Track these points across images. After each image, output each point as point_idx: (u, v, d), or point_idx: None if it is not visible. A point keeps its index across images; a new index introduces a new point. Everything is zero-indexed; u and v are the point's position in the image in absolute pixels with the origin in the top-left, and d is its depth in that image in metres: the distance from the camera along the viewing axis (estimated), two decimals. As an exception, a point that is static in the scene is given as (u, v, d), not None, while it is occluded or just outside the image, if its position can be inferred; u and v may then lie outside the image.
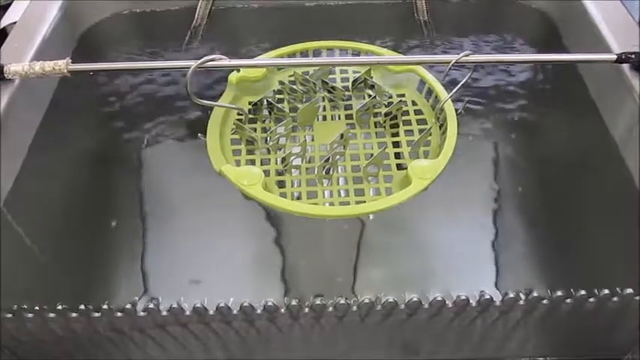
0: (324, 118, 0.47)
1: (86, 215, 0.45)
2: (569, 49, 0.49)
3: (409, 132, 0.45)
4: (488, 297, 0.33)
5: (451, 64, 0.39)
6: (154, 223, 0.46)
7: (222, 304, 0.34)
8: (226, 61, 0.40)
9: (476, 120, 0.49)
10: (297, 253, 0.45)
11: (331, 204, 0.40)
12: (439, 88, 0.45)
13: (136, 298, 0.40)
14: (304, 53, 0.49)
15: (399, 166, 0.43)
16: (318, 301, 0.34)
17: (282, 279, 0.43)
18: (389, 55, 0.47)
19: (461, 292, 0.40)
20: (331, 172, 0.42)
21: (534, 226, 0.44)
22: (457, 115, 0.43)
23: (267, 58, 0.45)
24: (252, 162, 0.43)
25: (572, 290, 0.34)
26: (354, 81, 0.47)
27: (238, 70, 0.45)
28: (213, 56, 0.40)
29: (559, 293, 0.33)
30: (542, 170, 0.47)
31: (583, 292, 0.33)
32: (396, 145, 0.44)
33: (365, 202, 0.40)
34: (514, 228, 0.44)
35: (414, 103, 0.47)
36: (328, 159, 0.41)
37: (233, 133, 0.44)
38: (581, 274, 0.39)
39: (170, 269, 0.44)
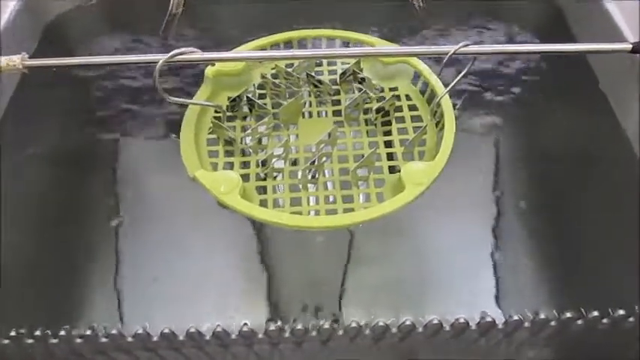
0: (310, 115, 0.43)
1: (48, 226, 0.41)
2: (577, 38, 0.45)
3: (403, 130, 0.41)
4: (490, 319, 0.30)
5: (448, 55, 0.35)
6: (125, 233, 0.42)
7: (192, 329, 0.30)
8: (198, 55, 0.36)
9: (475, 116, 0.45)
10: (280, 265, 0.41)
11: (317, 212, 0.36)
12: (435, 82, 0.41)
13: (96, 324, 0.37)
14: (288, 44, 0.45)
15: (392, 169, 0.39)
16: (299, 326, 0.30)
17: (263, 295, 0.40)
18: (381, 45, 0.43)
19: (459, 310, 0.36)
20: (317, 175, 0.38)
21: (540, 235, 0.40)
22: (455, 110, 0.39)
23: (245, 50, 0.41)
24: (231, 165, 0.39)
25: (583, 310, 0.30)
26: (342, 74, 0.43)
27: (213, 65, 0.41)
28: (183, 49, 0.36)
29: (568, 315, 0.29)
30: (548, 171, 0.44)
31: (596, 312, 0.30)
32: (389, 144, 0.40)
33: (354, 209, 0.36)
34: (518, 237, 0.40)
35: (407, 98, 0.43)
36: (314, 161, 0.37)
37: (210, 133, 0.41)
38: (592, 289, 0.36)
39: (142, 284, 0.40)
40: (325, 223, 0.34)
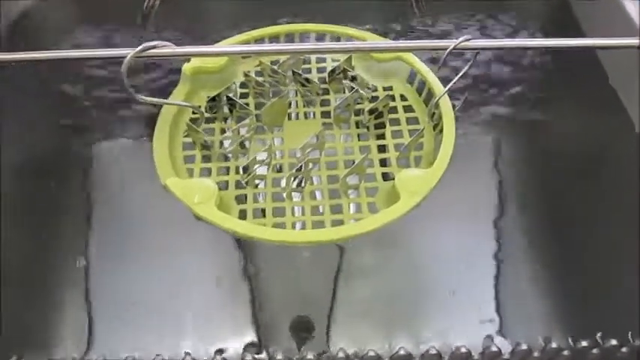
0: (296, 116, 0.39)
1: (14, 239, 0.38)
2: (586, 34, 0.42)
3: (397, 133, 0.37)
4: (495, 349, 0.26)
5: (448, 50, 0.31)
6: (97, 248, 0.39)
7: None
8: (171, 49, 0.32)
9: (476, 117, 0.42)
10: (264, 281, 0.38)
11: (302, 224, 0.33)
12: (433, 80, 0.38)
13: (64, 351, 0.33)
14: (274, 39, 0.41)
15: (385, 176, 0.35)
16: (280, 356, 0.27)
17: (246, 316, 0.36)
18: (374, 40, 0.40)
19: (460, 334, 0.33)
20: (303, 183, 0.34)
21: (549, 249, 0.37)
22: (455, 112, 0.36)
23: (225, 45, 0.38)
24: (208, 171, 0.36)
25: (598, 338, 0.27)
26: (332, 71, 0.39)
27: (188, 60, 0.37)
28: (154, 43, 0.32)
29: (584, 343, 0.26)
30: (555, 176, 0.40)
31: (614, 341, 0.26)
32: (382, 149, 0.37)
33: (343, 221, 0.33)
34: (524, 251, 0.37)
35: (403, 98, 0.39)
36: (300, 167, 0.34)
37: (185, 136, 0.37)
38: (608, 311, 0.32)
39: (114, 306, 0.37)
40: (311, 238, 0.30)
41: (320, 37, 0.42)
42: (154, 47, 0.32)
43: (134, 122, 0.43)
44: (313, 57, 0.42)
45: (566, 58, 0.43)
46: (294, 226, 0.33)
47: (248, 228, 0.31)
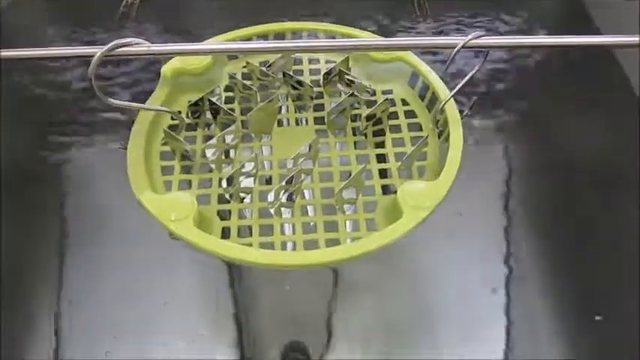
0: (287, 122, 0.36)
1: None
2: (600, 28, 0.39)
3: (398, 141, 0.34)
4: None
5: (457, 48, 0.28)
6: (71, 264, 0.35)
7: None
8: (145, 47, 0.29)
9: (484, 123, 0.38)
10: (253, 303, 0.34)
11: (293, 244, 0.29)
12: (438, 83, 0.34)
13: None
14: (262, 38, 0.38)
15: (386, 189, 0.32)
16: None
17: (229, 343, 0.32)
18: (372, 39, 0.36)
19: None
20: (295, 197, 0.31)
21: (563, 268, 0.33)
22: (462, 118, 0.32)
23: (208, 43, 0.34)
24: (189, 183, 0.32)
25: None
26: (327, 73, 0.36)
27: (165, 61, 0.34)
28: (127, 40, 0.29)
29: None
30: (571, 188, 0.37)
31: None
32: (382, 159, 0.33)
33: (339, 240, 0.29)
34: (535, 269, 0.34)
35: (404, 103, 0.36)
36: (291, 179, 0.30)
37: (164, 144, 0.33)
38: (624, 336, 0.29)
39: (92, 332, 0.33)
40: (302, 261, 0.27)
41: (313, 36, 0.39)
42: (126, 45, 0.29)
43: (110, 129, 0.39)
44: (306, 57, 0.38)
45: (582, 60, 0.40)
46: (283, 246, 0.29)
47: (231, 249, 0.27)
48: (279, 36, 0.38)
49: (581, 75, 0.40)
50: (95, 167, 0.38)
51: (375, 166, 0.32)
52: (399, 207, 0.28)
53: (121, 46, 0.29)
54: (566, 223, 0.37)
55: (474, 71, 0.30)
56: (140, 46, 0.29)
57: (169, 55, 0.30)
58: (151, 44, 0.29)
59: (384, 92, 0.36)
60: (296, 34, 0.38)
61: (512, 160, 0.38)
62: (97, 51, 0.28)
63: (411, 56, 0.36)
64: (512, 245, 0.36)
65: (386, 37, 0.38)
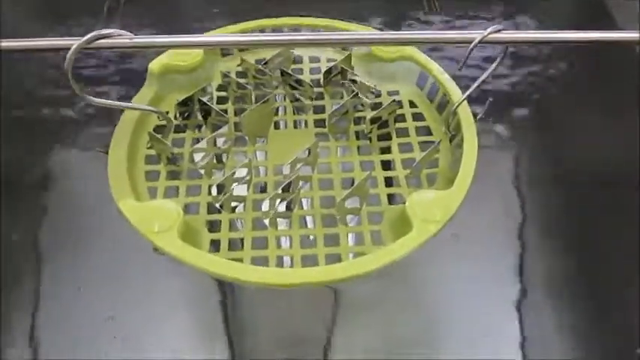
0: (285, 125, 0.33)
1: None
2: (619, 24, 0.36)
3: (406, 147, 0.31)
4: None
5: (474, 43, 0.25)
6: (50, 280, 0.32)
7: None
8: (127, 39, 0.26)
9: (498, 127, 0.35)
10: (248, 323, 0.31)
11: (290, 260, 0.26)
12: (450, 84, 0.32)
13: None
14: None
15: (392, 199, 0.29)
16: None
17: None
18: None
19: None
20: (292, 207, 0.28)
21: (579, 285, 0.30)
22: (476, 121, 0.30)
23: (198, 35, 0.31)
24: (175, 191, 0.29)
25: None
26: (328, 72, 0.33)
27: (145, 55, 0.31)
28: (108, 31, 0.26)
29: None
30: (590, 197, 0.34)
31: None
32: (387, 165, 0.30)
33: (340, 256, 0.26)
34: (553, 287, 0.31)
35: (412, 105, 0.33)
36: (288, 187, 0.27)
37: (149, 148, 0.30)
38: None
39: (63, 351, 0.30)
40: (300, 279, 0.24)
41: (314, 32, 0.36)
42: (106, 37, 0.26)
43: (90, 131, 0.36)
44: (306, 56, 0.36)
45: (601, 59, 0.37)
46: (279, 262, 0.26)
47: (219, 265, 0.24)
48: (277, 31, 0.35)
49: (598, 75, 0.38)
50: (75, 172, 0.35)
51: (380, 174, 0.29)
52: (408, 219, 0.25)
53: (100, 38, 0.26)
54: (582, 236, 0.34)
55: (490, 69, 0.27)
56: (122, 37, 0.26)
57: (154, 49, 0.27)
58: (134, 36, 0.26)
59: (389, 93, 0.33)
60: (294, 30, 0.35)
61: (521, 167, 0.36)
62: (74, 43, 0.26)
63: (419, 54, 0.33)
64: (524, 260, 0.34)
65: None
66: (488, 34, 0.25)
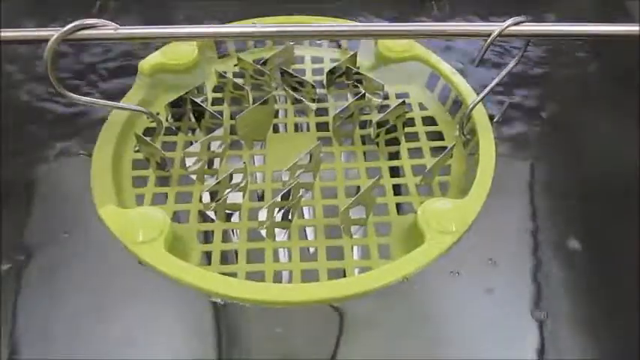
0: (285, 128, 0.30)
1: None
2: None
3: (416, 152, 0.28)
4: None
5: (493, 36, 0.23)
6: (30, 299, 0.29)
7: None
8: (111, 30, 0.24)
9: (514, 130, 0.33)
10: (243, 345, 0.28)
11: (289, 275, 0.24)
12: (463, 85, 0.29)
13: None
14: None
15: (401, 208, 0.26)
16: None
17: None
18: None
19: None
20: (291, 217, 0.25)
21: (599, 309, 0.28)
22: (493, 124, 0.27)
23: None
24: (164, 197, 0.26)
25: None
26: (331, 72, 0.31)
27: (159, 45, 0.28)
28: (90, 21, 0.24)
29: None
30: (616, 208, 0.31)
31: None
32: (396, 172, 0.28)
33: (345, 271, 0.23)
34: (566, 305, 0.28)
35: (421, 107, 0.31)
36: (287, 195, 0.24)
37: (137, 151, 0.28)
38: None
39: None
40: (299, 297, 0.21)
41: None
42: (89, 27, 0.24)
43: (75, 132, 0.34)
44: (308, 55, 0.33)
45: (624, 57, 0.35)
46: (276, 277, 0.24)
47: (210, 280, 0.21)
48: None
49: (619, 77, 0.35)
50: (57, 177, 0.33)
51: (388, 181, 0.27)
52: (420, 230, 0.23)
53: (83, 28, 0.24)
54: (603, 253, 0.32)
55: (509, 67, 0.25)
56: (106, 28, 0.24)
57: (140, 41, 0.25)
58: (118, 26, 0.24)
59: (398, 96, 0.31)
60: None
61: (537, 175, 0.33)
62: (54, 34, 0.23)
63: (429, 54, 0.31)
64: (539, 272, 0.31)
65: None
66: (508, 26, 0.23)
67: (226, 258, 0.24)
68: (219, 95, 0.31)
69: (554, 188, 0.34)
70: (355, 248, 0.25)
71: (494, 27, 0.23)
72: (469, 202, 0.24)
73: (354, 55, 0.31)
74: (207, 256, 0.24)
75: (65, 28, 0.23)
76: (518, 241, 0.31)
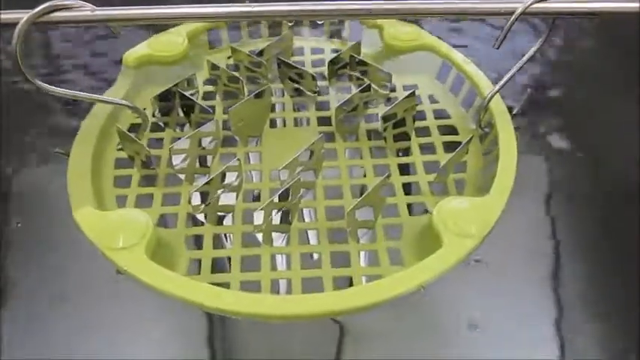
0: (283, 123, 0.28)
1: None
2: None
3: (427, 147, 0.26)
4: None
5: (516, 15, 0.20)
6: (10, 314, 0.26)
7: None
8: (87, 12, 0.21)
9: (537, 124, 0.30)
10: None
11: (288, 285, 0.21)
12: (478, 75, 0.27)
13: None
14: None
15: (412, 209, 0.24)
16: None
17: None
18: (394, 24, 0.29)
19: None
20: (291, 219, 0.23)
21: (623, 322, 0.25)
22: (512, 115, 0.25)
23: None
24: (149, 199, 0.24)
25: None
26: (333, 62, 0.28)
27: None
28: (66, 1, 0.21)
29: None
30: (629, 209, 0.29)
31: None
32: (406, 170, 0.25)
33: (351, 280, 0.21)
34: (586, 324, 0.25)
35: (432, 100, 0.28)
36: (286, 195, 0.22)
37: (120, 149, 0.25)
38: None
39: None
40: (300, 310, 0.18)
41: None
42: (63, 8, 0.21)
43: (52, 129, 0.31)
44: (307, 47, 0.31)
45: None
46: (274, 287, 0.21)
47: (198, 291, 0.19)
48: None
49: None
50: (34, 178, 0.30)
51: (398, 179, 0.24)
52: (436, 233, 0.20)
53: (56, 10, 0.21)
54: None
55: (532, 52, 0.23)
56: (82, 9, 0.21)
57: (120, 23, 0.22)
58: (95, 8, 0.21)
59: (406, 88, 0.29)
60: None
61: (553, 172, 0.31)
62: (23, 16, 0.21)
63: (439, 43, 0.29)
64: (557, 280, 0.28)
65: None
66: (532, 3, 0.21)
67: (218, 266, 0.22)
68: (211, 89, 0.29)
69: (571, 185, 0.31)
70: (362, 254, 0.22)
71: (517, 5, 0.21)
72: (490, 201, 0.21)
73: (358, 44, 0.28)
74: (197, 264, 0.22)
75: (36, 10, 0.21)
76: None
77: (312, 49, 0.31)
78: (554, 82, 0.33)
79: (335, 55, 0.28)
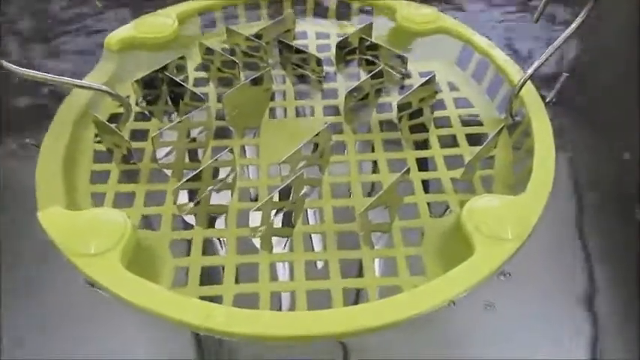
0: (284, 113, 0.25)
1: None
2: None
3: (448, 140, 0.23)
4: None
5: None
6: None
7: None
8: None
9: (567, 117, 0.27)
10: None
11: (290, 299, 0.18)
12: (503, 60, 0.24)
13: None
14: (252, 5, 0.27)
15: (433, 208, 0.21)
16: None
17: None
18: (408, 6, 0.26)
19: None
20: (293, 222, 0.19)
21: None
22: (545, 104, 0.22)
23: None
24: (130, 198, 0.21)
25: None
26: (341, 46, 0.25)
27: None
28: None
29: None
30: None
31: None
32: (424, 165, 0.22)
33: (366, 292, 0.18)
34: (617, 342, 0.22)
35: (452, 87, 0.25)
36: (287, 193, 0.19)
37: (97, 142, 0.22)
38: None
39: None
40: (303, 330, 0.15)
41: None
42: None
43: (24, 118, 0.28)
44: (311, 31, 0.28)
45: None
46: (274, 303, 0.18)
47: (182, 307, 0.16)
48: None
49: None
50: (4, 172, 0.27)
51: (416, 176, 0.21)
52: (466, 237, 0.17)
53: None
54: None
55: (574, 25, 0.19)
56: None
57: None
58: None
59: (422, 75, 0.26)
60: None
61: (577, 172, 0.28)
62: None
63: (459, 26, 0.26)
64: (590, 294, 0.25)
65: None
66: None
67: (208, 276, 0.19)
68: (203, 75, 0.26)
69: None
70: (377, 262, 0.19)
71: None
72: (526, 200, 0.18)
73: (369, 26, 0.25)
74: (183, 273, 0.19)
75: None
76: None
77: (316, 33, 0.28)
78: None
79: (343, 37, 0.25)
